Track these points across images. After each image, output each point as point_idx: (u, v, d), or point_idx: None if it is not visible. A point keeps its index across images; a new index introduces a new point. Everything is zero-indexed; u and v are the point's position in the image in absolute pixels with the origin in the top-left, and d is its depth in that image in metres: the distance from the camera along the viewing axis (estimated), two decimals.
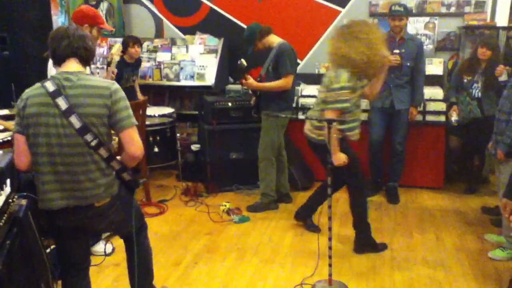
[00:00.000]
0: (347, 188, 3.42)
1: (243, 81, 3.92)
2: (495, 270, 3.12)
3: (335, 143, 3.06)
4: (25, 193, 2.05)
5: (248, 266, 3.20)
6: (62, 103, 1.97)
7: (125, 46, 4.64)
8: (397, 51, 4.16)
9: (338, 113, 3.09)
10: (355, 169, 3.31)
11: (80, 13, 3.21)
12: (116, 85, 2.08)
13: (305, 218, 3.75)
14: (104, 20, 3.37)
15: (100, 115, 2.01)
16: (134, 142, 2.08)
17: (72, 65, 2.07)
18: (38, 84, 2.05)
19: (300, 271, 3.07)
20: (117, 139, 3.10)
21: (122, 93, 2.08)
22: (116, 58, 4.21)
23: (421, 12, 4.95)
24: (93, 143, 2.00)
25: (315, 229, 3.65)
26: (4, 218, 1.76)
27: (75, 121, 1.97)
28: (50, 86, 2.00)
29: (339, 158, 3.10)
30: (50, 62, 3.15)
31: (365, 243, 3.38)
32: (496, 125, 3.19)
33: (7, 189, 1.87)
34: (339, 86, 3.06)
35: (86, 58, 2.12)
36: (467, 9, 4.82)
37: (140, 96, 4.92)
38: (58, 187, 2.03)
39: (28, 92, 2.05)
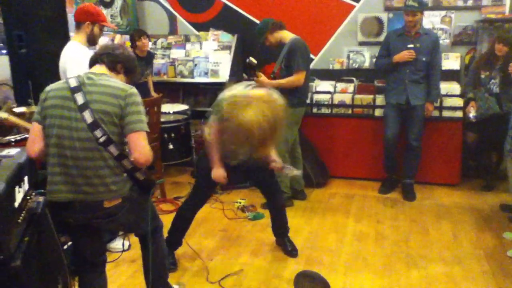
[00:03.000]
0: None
1: (255, 78, 3.91)
2: None
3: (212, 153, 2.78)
4: (42, 190, 2.06)
5: (262, 263, 3.20)
6: (79, 98, 2.03)
7: (132, 41, 4.66)
8: (411, 45, 4.11)
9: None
10: (199, 186, 3.09)
11: (81, 11, 3.22)
12: (134, 89, 2.10)
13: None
14: (106, 17, 3.37)
15: (110, 113, 2.02)
16: (138, 148, 2.05)
17: (98, 68, 2.19)
18: (63, 80, 2.16)
19: (315, 267, 3.06)
20: None
21: (138, 98, 2.09)
22: None
23: (437, 6, 4.87)
24: (101, 139, 2.01)
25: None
26: (23, 215, 1.78)
27: (87, 115, 2.01)
28: (73, 82, 2.08)
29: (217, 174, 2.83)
30: (65, 60, 3.19)
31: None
32: None
33: (25, 186, 1.89)
34: None
35: (111, 64, 2.19)
36: (484, 2, 4.72)
37: (154, 94, 4.94)
38: (66, 180, 2.04)
39: (52, 85, 2.15)
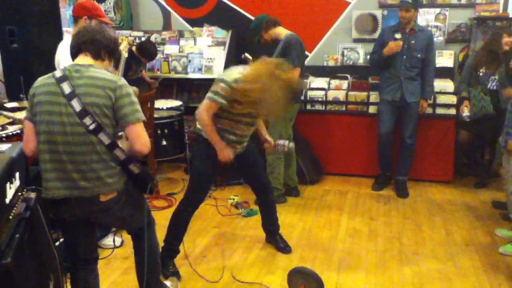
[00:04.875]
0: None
1: None
2: (506, 265, 3.09)
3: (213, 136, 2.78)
4: (34, 186, 2.05)
5: (256, 260, 3.20)
6: (66, 87, 2.00)
7: (140, 50, 4.60)
8: (398, 36, 4.11)
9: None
10: (196, 183, 2.98)
11: (79, 6, 3.25)
12: (123, 81, 2.07)
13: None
14: (104, 13, 3.38)
15: (100, 105, 1.99)
16: (139, 139, 2.05)
17: (83, 59, 2.11)
18: (50, 74, 2.10)
19: (308, 264, 3.06)
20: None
21: (128, 89, 2.06)
22: (125, 54, 4.19)
23: (431, 3, 4.88)
24: (91, 127, 1.98)
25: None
26: (14, 211, 1.76)
27: (76, 104, 1.98)
28: (58, 73, 2.05)
29: (224, 153, 2.82)
30: (59, 52, 3.18)
31: (163, 259, 2.88)
32: (508, 117, 3.15)
33: (17, 182, 1.87)
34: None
35: (96, 52, 2.12)
36: (478, 0, 4.75)
37: (150, 80, 4.93)
38: (61, 176, 2.03)
39: (39, 80, 2.10)
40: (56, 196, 2.04)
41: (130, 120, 2.03)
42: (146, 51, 4.58)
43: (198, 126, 2.92)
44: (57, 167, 2.03)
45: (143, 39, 5.30)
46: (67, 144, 2.00)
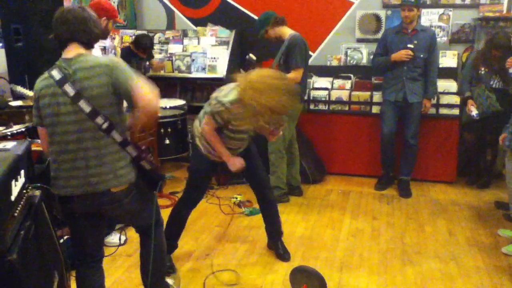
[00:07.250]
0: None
1: None
2: (508, 265, 3.09)
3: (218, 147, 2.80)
4: (39, 184, 2.06)
5: (259, 258, 3.21)
6: (69, 89, 1.98)
7: (137, 45, 4.63)
8: (411, 45, 4.11)
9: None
10: (193, 182, 3.02)
11: (98, 6, 3.25)
12: (114, 59, 2.05)
13: None
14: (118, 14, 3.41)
15: (106, 95, 1.99)
16: (145, 93, 1.97)
17: (73, 50, 2.05)
18: (46, 74, 2.06)
19: (311, 263, 3.07)
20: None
21: (120, 64, 2.02)
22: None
23: (435, 4, 4.88)
24: (104, 126, 2.00)
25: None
26: (19, 208, 1.78)
27: (84, 105, 1.97)
28: (56, 74, 2.01)
29: (233, 163, 2.83)
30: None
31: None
32: None
33: (22, 179, 1.89)
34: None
35: (87, 41, 2.08)
36: (482, 0, 4.74)
37: (159, 63, 4.95)
38: (75, 174, 2.04)
39: (39, 82, 2.07)
40: (72, 194, 2.06)
41: (128, 88, 1.97)
42: (140, 44, 4.62)
43: (194, 130, 2.91)
44: (70, 166, 2.04)
45: None
46: (79, 141, 2.01)
